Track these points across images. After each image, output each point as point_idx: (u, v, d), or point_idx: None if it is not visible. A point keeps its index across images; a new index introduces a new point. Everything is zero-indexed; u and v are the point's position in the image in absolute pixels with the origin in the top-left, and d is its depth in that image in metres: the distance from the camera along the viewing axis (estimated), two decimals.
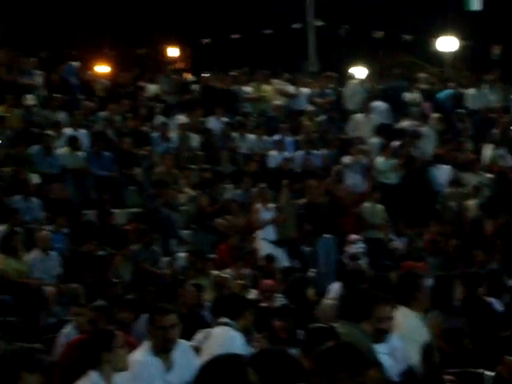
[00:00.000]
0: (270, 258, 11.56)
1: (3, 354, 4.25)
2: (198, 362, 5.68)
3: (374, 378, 4.58)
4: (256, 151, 15.48)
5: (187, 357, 5.78)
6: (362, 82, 17.80)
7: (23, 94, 14.82)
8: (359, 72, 19.96)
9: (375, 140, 15.47)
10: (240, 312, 6.27)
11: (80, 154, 13.69)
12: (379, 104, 16.41)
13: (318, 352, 4.32)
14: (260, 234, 12.80)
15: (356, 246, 11.29)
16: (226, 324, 6.20)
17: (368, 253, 11.73)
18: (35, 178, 12.63)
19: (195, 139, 15.29)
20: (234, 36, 19.89)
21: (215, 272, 11.07)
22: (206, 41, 18.66)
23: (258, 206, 13.04)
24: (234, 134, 15.72)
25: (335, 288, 9.37)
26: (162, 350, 5.66)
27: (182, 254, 11.95)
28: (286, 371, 4.18)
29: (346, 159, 14.69)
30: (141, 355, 5.63)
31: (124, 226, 12.48)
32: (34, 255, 10.92)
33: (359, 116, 16.10)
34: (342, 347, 4.34)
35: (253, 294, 9.99)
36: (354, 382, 4.14)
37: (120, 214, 12.98)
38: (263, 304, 9.14)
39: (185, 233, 12.98)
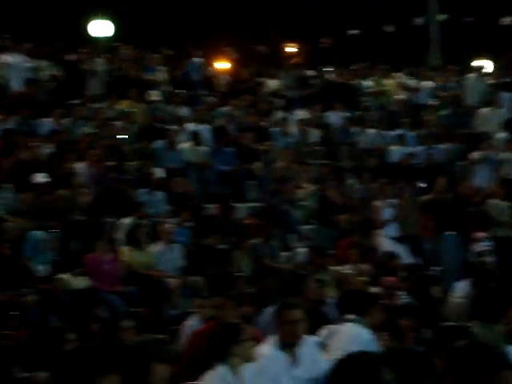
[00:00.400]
0: (391, 255, 11.36)
1: (134, 345, 4.31)
2: (324, 358, 5.63)
3: (508, 381, 4.40)
4: (376, 146, 15.27)
5: (313, 352, 5.74)
6: (483, 74, 17.25)
7: (147, 89, 15.18)
8: (484, 65, 19.36)
9: (502, 135, 14.96)
10: (368, 309, 6.17)
11: (202, 148, 13.90)
12: (506, 96, 15.87)
13: (452, 351, 4.18)
14: (382, 230, 12.61)
15: (483, 243, 10.95)
16: (353, 321, 6.12)
17: (495, 251, 11.35)
18: (159, 172, 12.88)
19: (315, 134, 15.24)
20: (353, 32, 19.64)
21: (336, 268, 10.96)
22: (326, 41, 18.51)
23: (379, 202, 12.85)
24: (354, 129, 15.58)
25: (461, 286, 9.12)
26: (288, 344, 5.63)
27: (301, 250, 11.90)
28: (417, 370, 4.07)
29: (475, 155, 14.24)
30: (267, 349, 5.62)
31: (244, 220, 12.54)
32: (157, 248, 11.11)
33: (486, 110, 15.61)
34: (476, 346, 4.19)
35: (373, 291, 9.81)
36: (489, 382, 3.99)
37: (240, 209, 13.05)
38: (385, 301, 8.97)
39: (304, 228, 12.93)
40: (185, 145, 13.90)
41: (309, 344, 5.76)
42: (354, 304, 6.26)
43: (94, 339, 7.06)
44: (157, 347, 4.26)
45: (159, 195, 12.39)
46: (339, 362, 3.33)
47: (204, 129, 14.45)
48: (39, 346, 6.99)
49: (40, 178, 11.33)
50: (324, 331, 6.31)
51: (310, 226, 12.95)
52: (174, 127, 14.22)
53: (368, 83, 17.00)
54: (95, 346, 4.04)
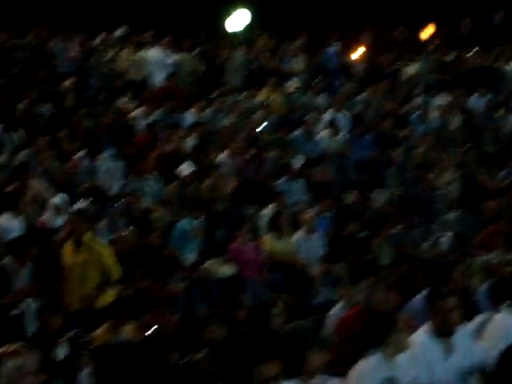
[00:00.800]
0: None
1: (289, 332, 4.34)
2: (479, 347, 5.51)
3: None
4: None
5: (468, 341, 5.62)
6: None
7: (285, 79, 15.28)
8: None
9: None
10: None
11: (340, 136, 13.87)
12: None
13: None
14: None
15: None
16: (507, 310, 5.94)
17: None
18: (298, 162, 12.94)
19: (456, 119, 14.88)
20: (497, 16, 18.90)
21: (481, 256, 10.67)
22: (466, 23, 17.95)
23: None
24: (498, 113, 15.09)
25: None
26: (443, 333, 5.53)
27: (444, 238, 11.66)
28: None
29: None
30: (421, 337, 5.55)
31: (384, 208, 12.40)
32: (299, 236, 11.18)
33: None
34: None
35: None
36: None
37: (380, 196, 12.91)
38: None
39: (447, 215, 12.64)
40: (323, 133, 13.91)
41: (463, 333, 5.64)
42: (507, 293, 6.08)
43: (242, 326, 7.18)
44: (311, 334, 4.28)
45: (299, 184, 12.45)
46: (508, 351, 3.23)
47: (342, 117, 14.42)
48: (189, 333, 7.19)
49: (185, 169, 11.63)
50: (476, 320, 6.17)
51: (453, 214, 12.65)
52: (312, 116, 14.24)
53: None
54: (249, 333, 4.09)
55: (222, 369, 3.84)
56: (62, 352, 6.91)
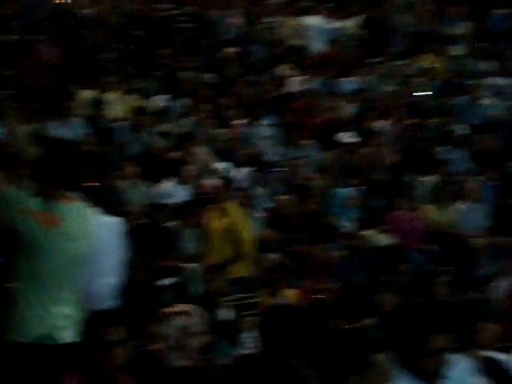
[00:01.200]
0: None
1: (459, 304, 4.23)
2: None
3: None
4: None
5: None
6: None
7: (449, 44, 14.81)
8: None
9: None
10: None
11: (506, 103, 13.33)
12: None
13: None
14: None
15: None
16: None
17: None
18: (462, 129, 12.55)
19: None
20: None
21: None
22: None
23: None
24: None
25: None
26: None
27: None
28: None
29: None
30: None
31: None
32: (462, 206, 10.89)
33: None
34: None
35: None
36: None
37: None
38: None
39: None
40: (488, 100, 13.41)
41: None
42: None
43: (406, 295, 7.07)
44: (482, 306, 4.15)
45: (462, 153, 12.09)
46: None
47: (508, 83, 13.83)
48: (351, 300, 7.17)
49: (347, 137, 11.54)
50: None
51: None
52: (477, 82, 13.74)
53: None
54: (421, 303, 3.99)
55: (390, 337, 3.76)
56: (226, 314, 7.06)
